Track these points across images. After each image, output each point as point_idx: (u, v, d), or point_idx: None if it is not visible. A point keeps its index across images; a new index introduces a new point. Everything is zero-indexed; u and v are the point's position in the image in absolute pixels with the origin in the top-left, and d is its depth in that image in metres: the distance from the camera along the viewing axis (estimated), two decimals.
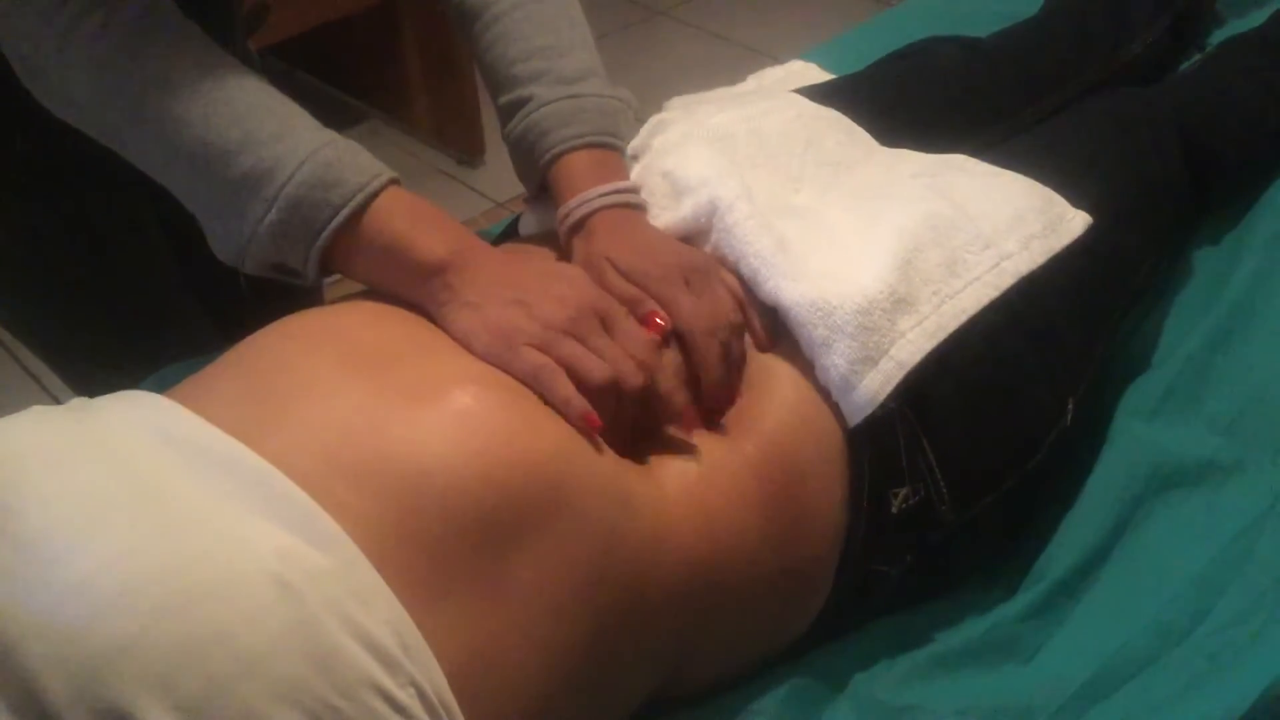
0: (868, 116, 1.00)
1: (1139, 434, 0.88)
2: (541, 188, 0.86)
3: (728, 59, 2.68)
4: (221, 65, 0.74)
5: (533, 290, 0.72)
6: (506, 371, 0.68)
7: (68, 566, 0.52)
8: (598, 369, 0.69)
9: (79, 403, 0.65)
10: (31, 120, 0.78)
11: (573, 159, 0.83)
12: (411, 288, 0.73)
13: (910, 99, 1.07)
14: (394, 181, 0.75)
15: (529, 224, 0.92)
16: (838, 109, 1.01)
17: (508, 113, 0.86)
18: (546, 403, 0.67)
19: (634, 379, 0.70)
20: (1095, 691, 0.73)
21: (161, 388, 0.68)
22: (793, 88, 1.08)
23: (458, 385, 0.66)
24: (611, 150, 0.84)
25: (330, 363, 0.67)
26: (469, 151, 2.48)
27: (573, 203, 0.81)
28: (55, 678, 0.49)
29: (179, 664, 0.50)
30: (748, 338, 0.79)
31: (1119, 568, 0.81)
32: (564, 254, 0.83)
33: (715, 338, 0.75)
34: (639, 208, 0.83)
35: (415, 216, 0.74)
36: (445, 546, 0.60)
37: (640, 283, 0.77)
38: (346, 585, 0.55)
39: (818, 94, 1.04)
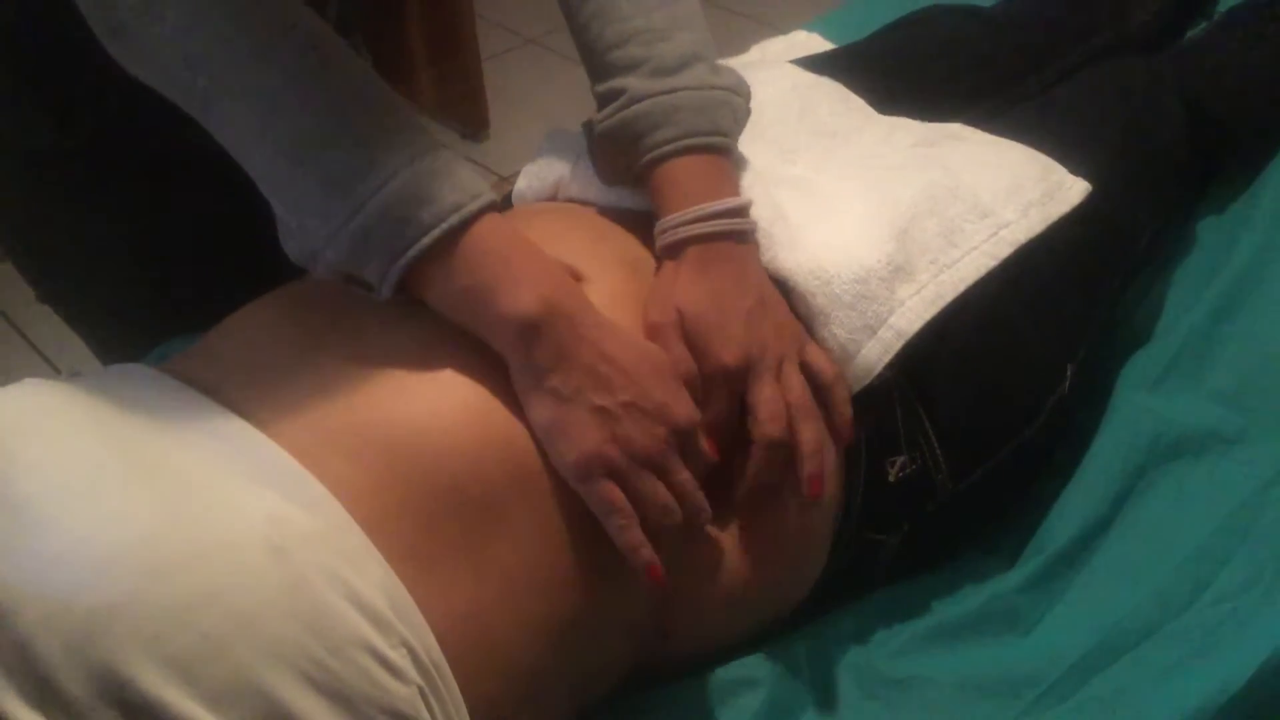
0: (867, 86, 1.00)
1: (1142, 404, 0.88)
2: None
3: (732, 30, 2.66)
4: (328, 44, 0.67)
5: (621, 393, 0.65)
6: (579, 491, 0.65)
7: (60, 531, 0.52)
8: (668, 517, 0.66)
9: (72, 376, 0.65)
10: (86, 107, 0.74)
11: (674, 167, 0.76)
12: (491, 337, 0.66)
13: (910, 68, 1.06)
14: (493, 205, 0.68)
15: (522, 194, 0.91)
16: (837, 79, 1.00)
17: (601, 103, 0.79)
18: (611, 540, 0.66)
19: (699, 519, 0.68)
20: (1095, 662, 0.73)
21: (160, 362, 0.69)
22: (795, 58, 1.07)
23: (445, 357, 0.66)
24: (716, 153, 0.77)
25: (316, 334, 0.67)
26: (473, 125, 2.47)
27: (671, 220, 0.75)
28: (49, 640, 0.49)
29: (170, 624, 0.50)
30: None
31: (1120, 539, 0.81)
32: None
33: (767, 447, 0.70)
34: (743, 236, 0.75)
35: (508, 253, 0.66)
36: (433, 516, 0.60)
37: (700, 349, 0.71)
38: (336, 548, 0.56)
39: (817, 64, 1.04)
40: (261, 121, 0.65)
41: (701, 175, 0.76)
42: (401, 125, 0.67)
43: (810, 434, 0.71)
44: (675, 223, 0.74)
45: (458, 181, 0.66)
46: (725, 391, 0.71)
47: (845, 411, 0.74)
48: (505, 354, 0.66)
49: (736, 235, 0.75)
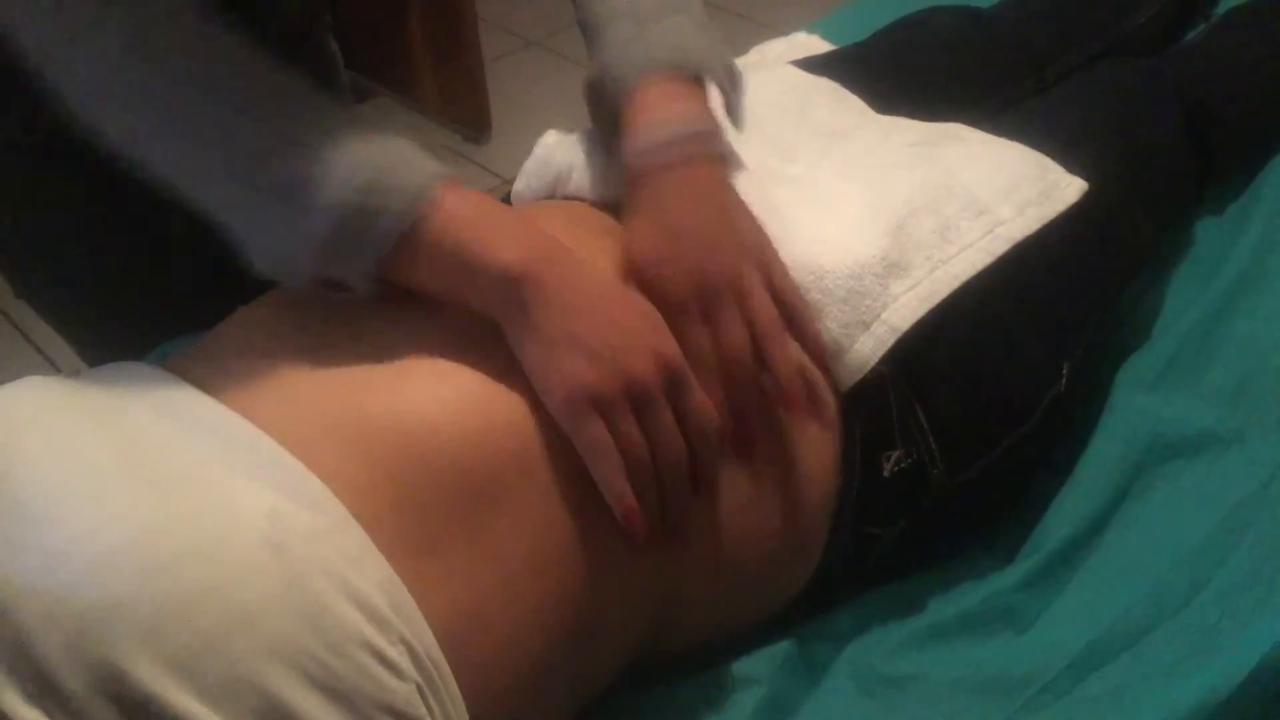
0: (867, 87, 1.00)
1: (1139, 404, 0.88)
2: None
3: (734, 32, 2.67)
4: (252, 62, 0.66)
5: (610, 335, 0.65)
6: (568, 431, 0.65)
7: (60, 528, 0.52)
8: (645, 466, 0.65)
9: (73, 373, 0.66)
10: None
11: (637, 95, 0.73)
12: (480, 303, 0.66)
13: (910, 69, 1.07)
14: (451, 178, 0.68)
15: (520, 194, 0.92)
16: (836, 79, 1.01)
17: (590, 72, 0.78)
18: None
19: (710, 442, 0.67)
20: (1092, 660, 0.73)
21: (161, 362, 0.69)
22: (795, 59, 1.08)
23: (440, 347, 0.66)
24: (684, 81, 0.73)
25: (318, 330, 0.68)
26: (475, 128, 2.48)
27: (630, 153, 0.73)
28: (48, 635, 0.50)
29: (169, 620, 0.51)
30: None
31: (1117, 537, 0.81)
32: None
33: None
34: (710, 158, 0.73)
35: (480, 219, 0.66)
36: (431, 505, 0.61)
37: (655, 291, 0.70)
38: (336, 546, 0.56)
39: (816, 64, 1.04)
40: (202, 151, 0.65)
41: (668, 98, 0.74)
42: (343, 122, 0.66)
43: (779, 354, 0.70)
44: (634, 155, 0.73)
45: (414, 165, 0.66)
46: (692, 326, 0.70)
47: (809, 330, 0.73)
48: (496, 315, 0.66)
49: (699, 158, 0.73)
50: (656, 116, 0.73)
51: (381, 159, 0.65)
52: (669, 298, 0.70)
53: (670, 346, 0.67)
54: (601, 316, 0.65)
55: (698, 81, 0.76)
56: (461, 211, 0.66)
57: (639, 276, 0.71)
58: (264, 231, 0.65)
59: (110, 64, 0.64)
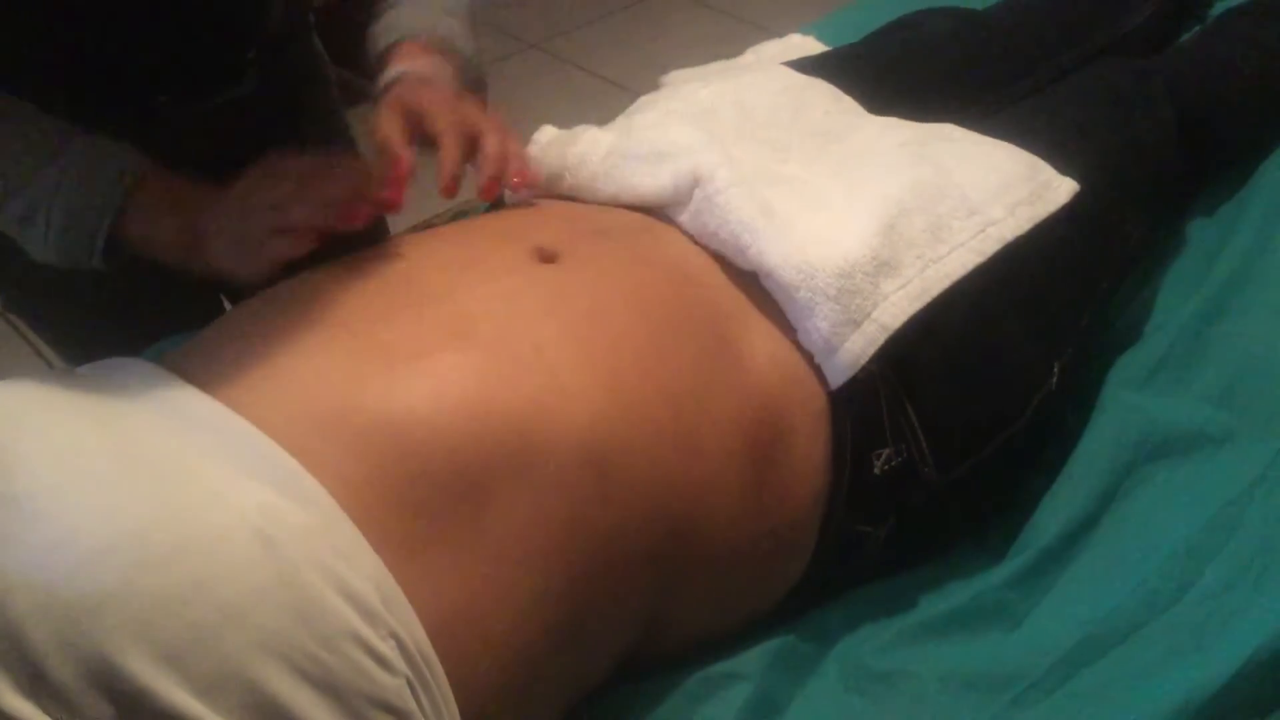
0: (860, 87, 1.01)
1: (1130, 404, 0.88)
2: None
3: (730, 35, 2.67)
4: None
5: (242, 201, 0.77)
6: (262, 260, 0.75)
7: (53, 522, 0.53)
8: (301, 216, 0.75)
9: (68, 370, 0.66)
10: None
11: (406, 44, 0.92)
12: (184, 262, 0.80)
13: (903, 70, 1.07)
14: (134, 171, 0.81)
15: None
16: (831, 80, 1.01)
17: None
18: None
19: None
20: (1080, 657, 0.73)
21: (155, 359, 0.69)
22: (789, 60, 1.08)
23: (435, 343, 0.67)
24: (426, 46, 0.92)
25: (311, 327, 0.68)
26: None
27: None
28: (39, 628, 0.50)
29: (160, 613, 0.51)
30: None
31: (1107, 535, 0.82)
32: None
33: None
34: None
35: (157, 211, 0.81)
36: (423, 500, 0.61)
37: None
38: (327, 541, 0.56)
39: (810, 66, 1.05)
40: None
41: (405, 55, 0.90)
42: (43, 160, 0.79)
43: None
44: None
45: (104, 168, 0.80)
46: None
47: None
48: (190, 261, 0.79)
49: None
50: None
51: (75, 172, 0.79)
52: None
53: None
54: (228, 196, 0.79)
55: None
56: (146, 207, 0.81)
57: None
58: (28, 245, 0.83)
59: None
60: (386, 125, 0.83)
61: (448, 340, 0.67)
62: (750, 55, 1.21)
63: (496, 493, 0.63)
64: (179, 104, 0.95)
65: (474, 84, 0.95)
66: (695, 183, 0.82)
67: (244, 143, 0.86)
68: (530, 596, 0.64)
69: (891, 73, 1.06)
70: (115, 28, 0.87)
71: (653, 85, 1.03)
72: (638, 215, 0.86)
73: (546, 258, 0.77)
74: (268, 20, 1.01)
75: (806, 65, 1.05)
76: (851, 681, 0.76)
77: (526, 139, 0.95)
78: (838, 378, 0.77)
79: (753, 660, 0.75)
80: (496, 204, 0.97)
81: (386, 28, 0.95)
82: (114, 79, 0.89)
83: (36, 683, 0.50)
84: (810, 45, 1.20)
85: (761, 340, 0.78)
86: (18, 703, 0.49)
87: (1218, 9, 1.28)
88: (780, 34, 1.26)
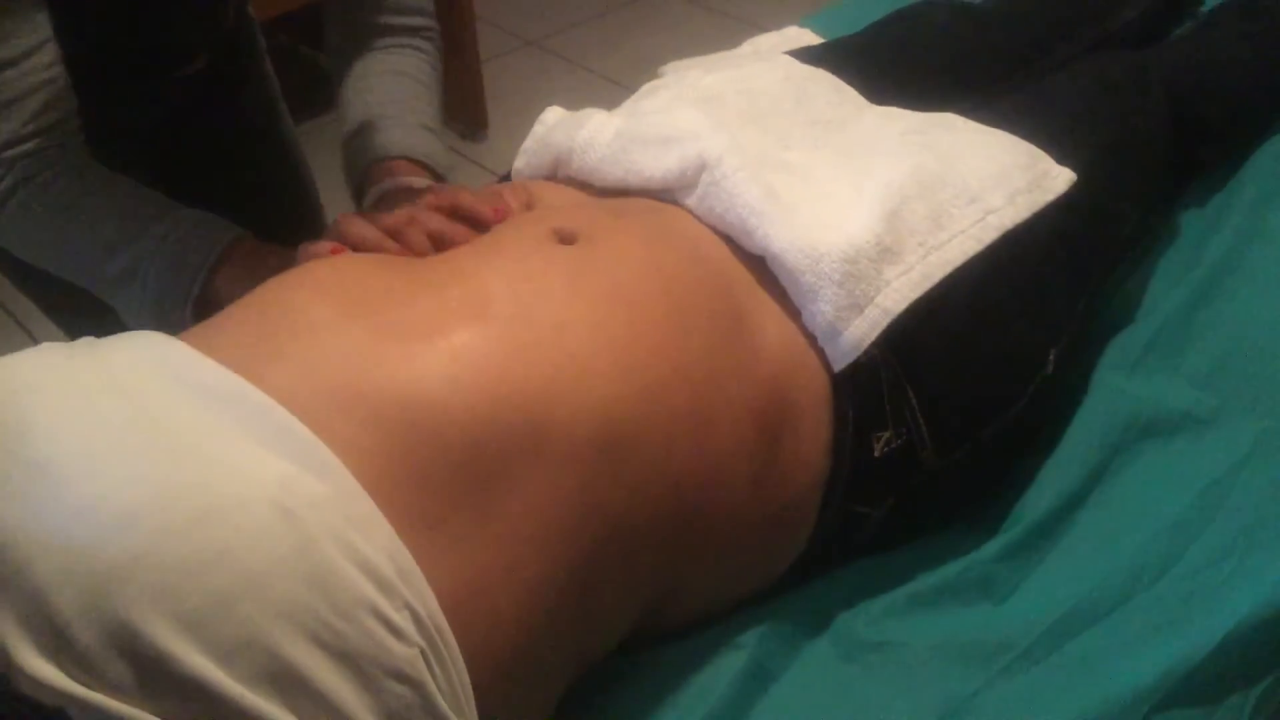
0: (860, 78, 1.02)
1: (1119, 385, 0.89)
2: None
3: (725, 33, 2.68)
4: (93, 192, 0.90)
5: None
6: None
7: (76, 490, 0.53)
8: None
9: (87, 341, 0.66)
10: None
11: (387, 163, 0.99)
12: None
13: (901, 62, 1.08)
14: (235, 242, 0.89)
15: (520, 172, 0.95)
16: (832, 70, 1.02)
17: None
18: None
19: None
20: (1067, 629, 0.75)
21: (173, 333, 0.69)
22: (789, 50, 1.09)
23: (454, 321, 0.68)
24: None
25: (332, 305, 0.69)
26: (472, 125, 2.49)
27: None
28: (63, 593, 0.51)
29: (182, 580, 0.52)
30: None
31: (1095, 512, 0.83)
32: None
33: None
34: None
35: (248, 270, 0.87)
36: (438, 477, 0.62)
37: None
38: (344, 513, 0.57)
39: (810, 56, 1.06)
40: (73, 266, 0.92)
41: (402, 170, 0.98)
42: (152, 214, 0.89)
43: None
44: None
45: (207, 227, 0.90)
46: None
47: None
48: None
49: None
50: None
51: (175, 244, 0.89)
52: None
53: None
54: None
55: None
56: (234, 276, 0.88)
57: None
58: (123, 306, 0.92)
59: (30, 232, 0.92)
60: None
61: (467, 319, 0.68)
62: (748, 46, 1.21)
63: (511, 470, 0.64)
64: (141, 82, 1.05)
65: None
66: (702, 167, 0.83)
67: (190, 111, 1.08)
68: (541, 574, 0.64)
69: (891, 64, 1.07)
70: (98, 18, 0.93)
71: (644, 83, 1.04)
72: (647, 199, 0.87)
73: (565, 239, 0.78)
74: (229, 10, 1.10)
75: (807, 55, 1.06)
76: (844, 651, 0.77)
77: (524, 135, 0.96)
78: (841, 361, 0.78)
79: (748, 630, 0.76)
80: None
81: (373, 146, 1.02)
82: (91, 61, 0.92)
83: (60, 644, 0.50)
84: (807, 37, 1.21)
85: (771, 322, 0.79)
86: (40, 664, 0.50)
87: (1209, 4, 1.30)
88: (771, 30, 1.28)
